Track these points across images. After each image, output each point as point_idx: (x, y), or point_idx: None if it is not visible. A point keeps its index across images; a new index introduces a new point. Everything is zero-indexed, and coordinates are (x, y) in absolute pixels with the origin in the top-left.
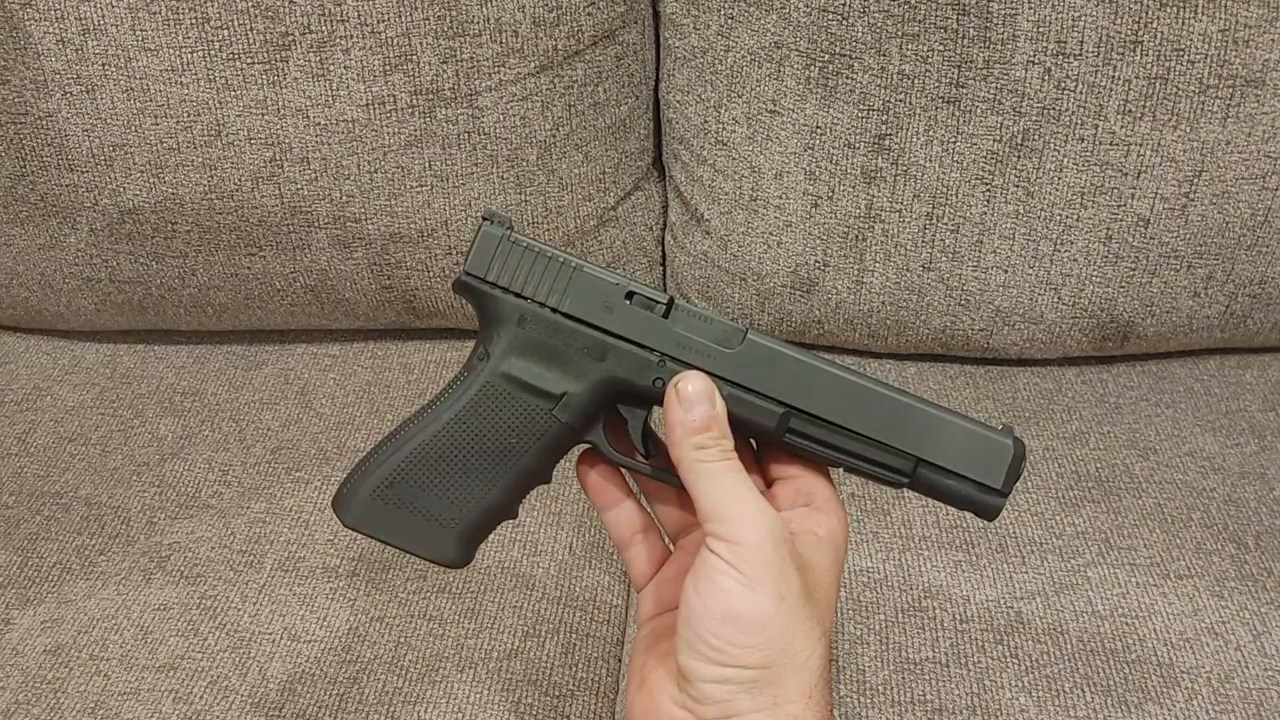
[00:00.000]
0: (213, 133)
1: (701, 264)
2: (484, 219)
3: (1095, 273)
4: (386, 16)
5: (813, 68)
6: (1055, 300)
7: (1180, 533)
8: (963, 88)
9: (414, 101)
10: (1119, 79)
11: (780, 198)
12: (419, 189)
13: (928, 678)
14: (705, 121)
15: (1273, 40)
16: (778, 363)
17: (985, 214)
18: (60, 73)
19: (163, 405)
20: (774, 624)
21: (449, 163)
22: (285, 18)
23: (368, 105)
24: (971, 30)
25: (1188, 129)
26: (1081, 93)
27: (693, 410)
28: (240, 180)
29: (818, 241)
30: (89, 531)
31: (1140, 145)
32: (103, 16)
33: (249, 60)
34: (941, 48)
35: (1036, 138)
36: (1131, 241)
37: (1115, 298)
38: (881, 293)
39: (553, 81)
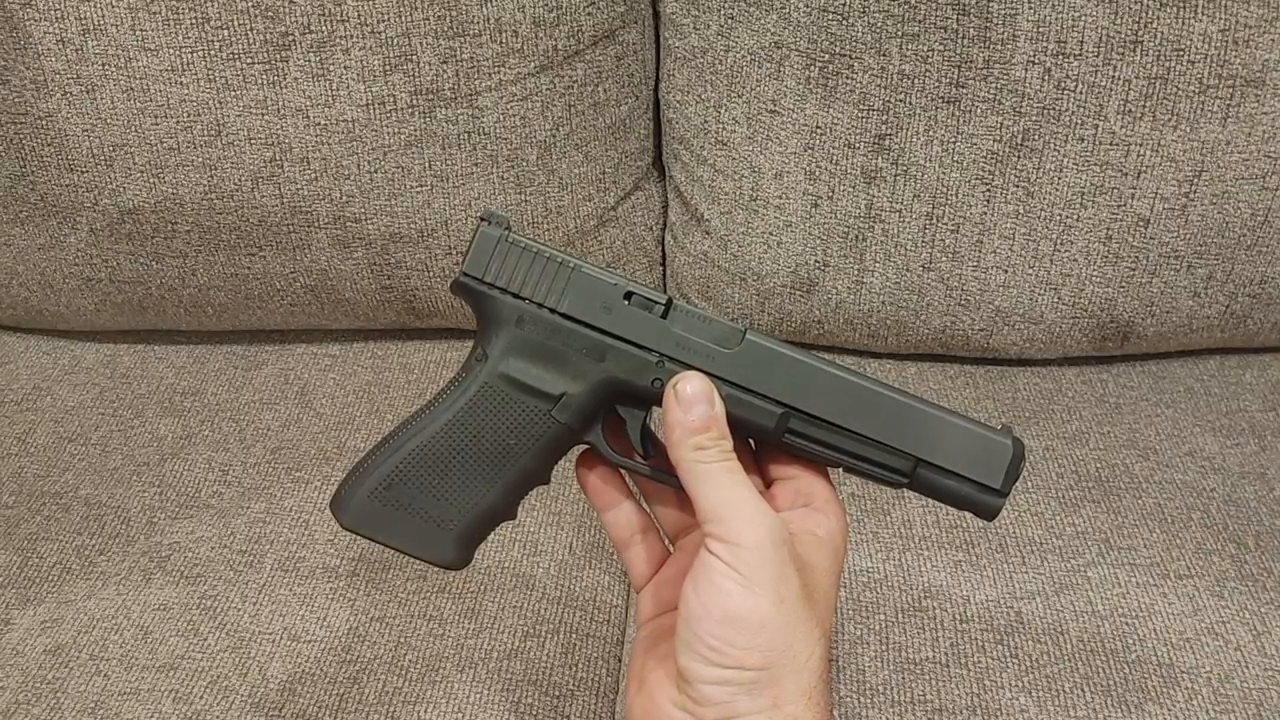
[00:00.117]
0: (213, 133)
1: (701, 264)
2: (481, 219)
3: (1095, 273)
4: (386, 16)
5: (813, 68)
6: (1055, 300)
7: (1180, 533)
8: (963, 88)
9: (414, 101)
10: (1119, 79)
11: (780, 198)
12: (419, 189)
13: (928, 678)
14: (705, 121)
15: (1273, 40)
16: (777, 363)
17: (985, 214)
18: (60, 73)
19: (163, 405)
20: (773, 625)
21: (449, 163)
22: (285, 18)
23: (368, 105)
24: (971, 30)
25: (1188, 129)
26: (1081, 93)
27: (691, 411)
28: (240, 180)
29: (818, 241)
30: (89, 531)
31: (1140, 145)
32: (103, 16)
33: (249, 60)
34: (941, 48)
35: (1036, 138)
36: (1131, 241)
37: (1115, 298)
38: (881, 293)
39: (553, 81)
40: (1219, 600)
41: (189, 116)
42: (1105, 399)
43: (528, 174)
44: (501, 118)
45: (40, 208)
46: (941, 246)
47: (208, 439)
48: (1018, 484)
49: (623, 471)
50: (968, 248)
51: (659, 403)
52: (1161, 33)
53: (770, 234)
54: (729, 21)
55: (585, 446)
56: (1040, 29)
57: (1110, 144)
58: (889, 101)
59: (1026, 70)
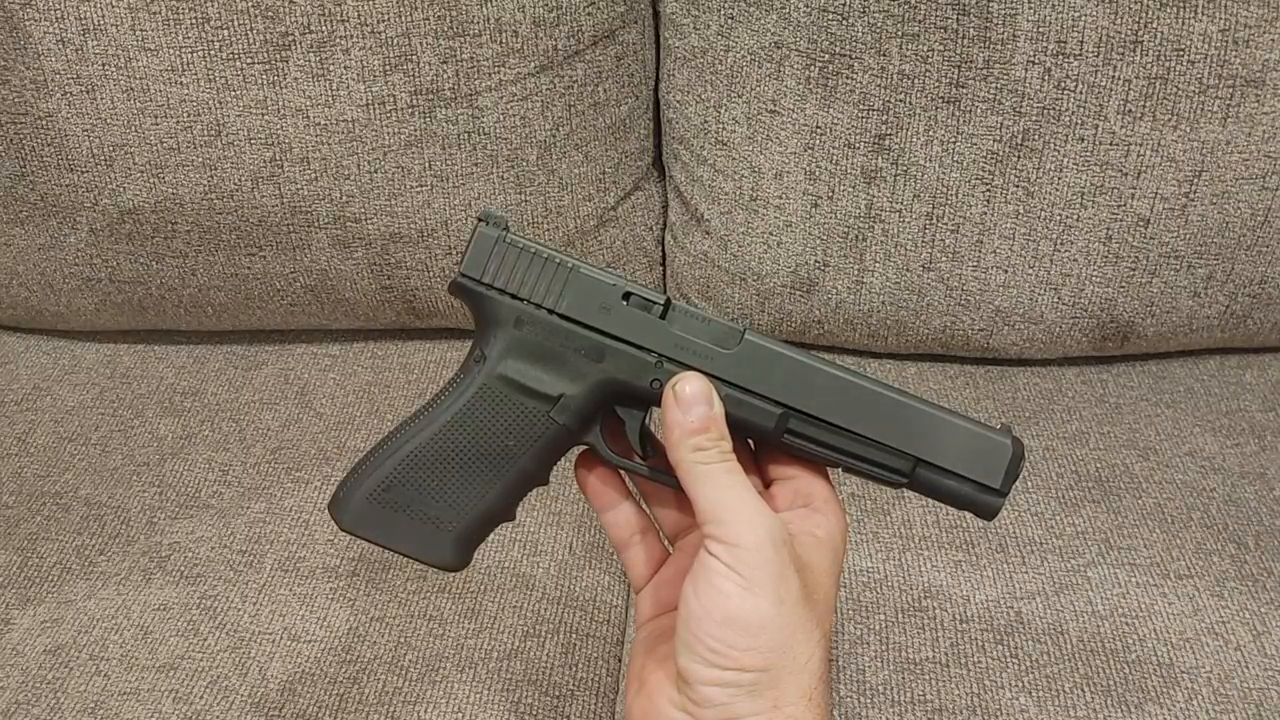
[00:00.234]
0: (213, 133)
1: (701, 264)
2: (479, 220)
3: (1095, 273)
4: (386, 16)
5: (813, 68)
6: (1055, 300)
7: (1180, 533)
8: (963, 88)
9: (414, 101)
10: (1119, 79)
11: (780, 198)
12: (419, 189)
13: (928, 678)
14: (705, 121)
15: (1273, 40)
16: (776, 363)
17: (985, 214)
18: (60, 73)
19: (163, 405)
20: (773, 626)
21: (449, 163)
22: (285, 18)
23: (368, 105)
24: (971, 30)
25: (1188, 129)
26: (1081, 93)
27: (691, 411)
28: (240, 180)
29: (818, 241)
30: (89, 531)
31: (1140, 145)
32: (103, 16)
33: (249, 60)
34: (941, 48)
35: (1036, 138)
36: (1131, 241)
37: (1115, 298)
38: (881, 293)
39: (553, 81)
40: (1219, 600)
41: (189, 116)
42: (1105, 399)
43: (528, 174)
44: (501, 118)
45: (40, 208)
46: (941, 246)
47: (208, 439)
48: (1017, 484)
49: (622, 472)
50: (968, 248)
51: (658, 403)
52: (1161, 33)
53: (770, 234)
54: (729, 21)
55: (584, 447)
56: (1040, 29)
57: (1110, 144)
58: (889, 101)
59: (1026, 70)
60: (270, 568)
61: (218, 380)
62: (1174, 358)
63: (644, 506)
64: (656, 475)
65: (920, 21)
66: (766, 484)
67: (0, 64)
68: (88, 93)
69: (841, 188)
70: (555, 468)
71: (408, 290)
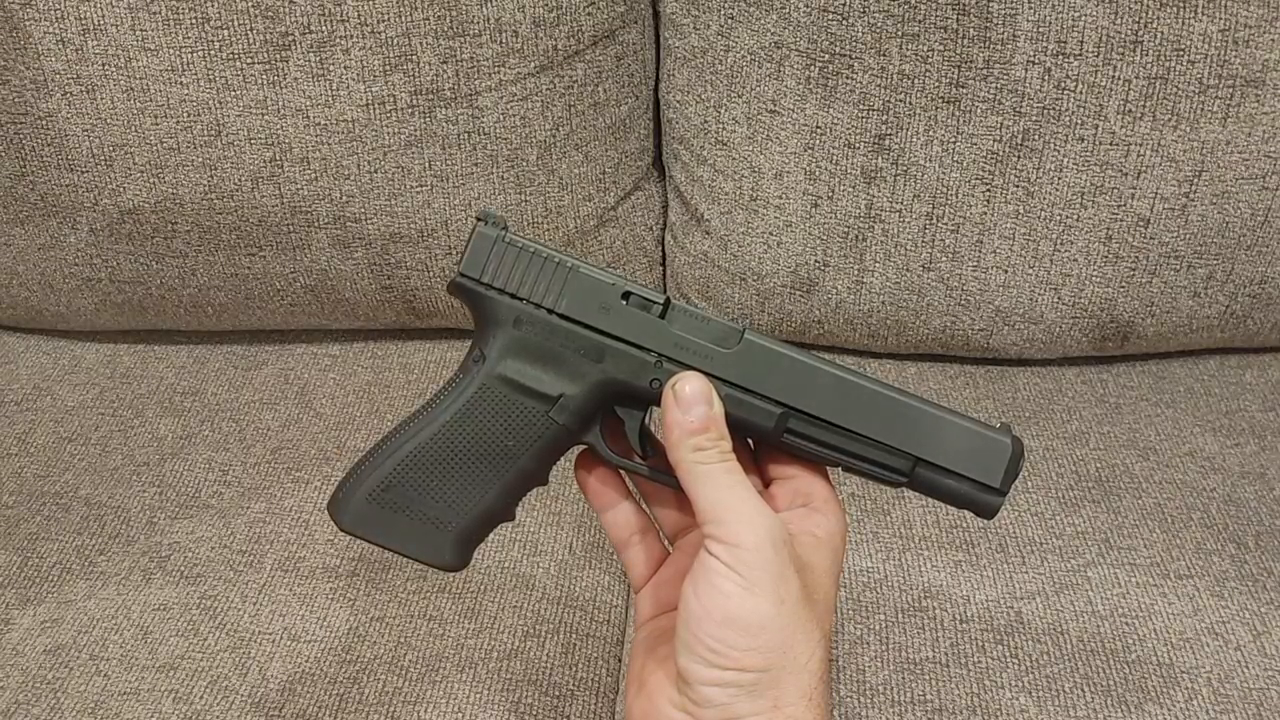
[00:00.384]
0: (213, 133)
1: (701, 264)
2: (478, 219)
3: (1095, 273)
4: (386, 16)
5: (813, 68)
6: (1055, 300)
7: (1180, 533)
8: (963, 88)
9: (414, 101)
10: (1119, 79)
11: (780, 198)
12: (419, 189)
13: (928, 678)
14: (705, 121)
15: (1273, 40)
16: (775, 363)
17: (985, 214)
18: (60, 73)
19: (163, 405)
20: (774, 626)
21: (449, 163)
22: (285, 18)
23: (368, 105)
24: (971, 30)
25: (1188, 129)
26: (1081, 93)
27: (690, 411)
28: (240, 180)
29: (818, 241)
30: (89, 531)
31: (1140, 145)
32: (103, 16)
33: (249, 60)
34: (941, 48)
35: (1036, 138)
36: (1131, 241)
37: (1115, 298)
38: (881, 293)
39: (553, 81)
40: (1219, 600)
41: (189, 116)
42: (1105, 399)
43: (528, 174)
44: (501, 118)
45: (40, 208)
46: (941, 246)
47: (208, 439)
48: (1017, 484)
49: (621, 472)
50: (968, 248)
51: (658, 403)
52: (1161, 33)
53: (770, 234)
54: (729, 21)
55: (584, 447)
56: (1040, 29)
57: (1110, 144)
58: (889, 101)
59: (1026, 70)
60: (270, 568)
61: (218, 380)
62: (1174, 358)
63: (644, 506)
64: (656, 475)
65: (920, 21)
66: (766, 483)
67: (0, 64)
68: (88, 93)
69: (841, 188)
70: (555, 468)
71: (408, 290)
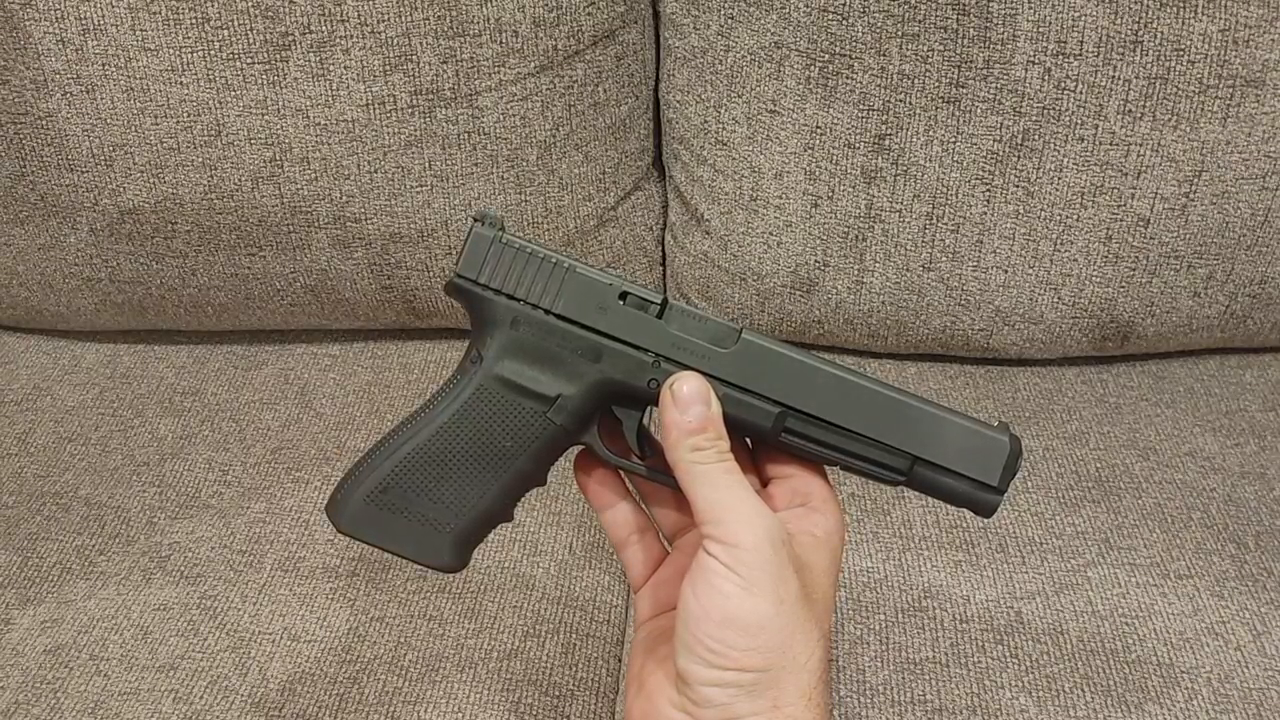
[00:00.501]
0: (213, 133)
1: (701, 264)
2: (475, 220)
3: (1095, 273)
4: (386, 16)
5: (813, 68)
6: (1055, 300)
7: (1180, 533)
8: (963, 88)
9: (414, 101)
10: (1119, 79)
11: (780, 198)
12: (419, 189)
13: (928, 678)
14: (705, 121)
15: (1273, 40)
16: (773, 362)
17: (985, 214)
18: (60, 73)
19: (163, 405)
20: (773, 626)
21: (449, 163)
22: (285, 18)
23: (368, 105)
24: (971, 30)
25: (1188, 129)
26: (1081, 93)
27: (688, 411)
28: (240, 180)
29: (818, 241)
30: (89, 531)
31: (1140, 145)
32: (103, 16)
33: (249, 60)
34: (941, 48)
35: (1036, 138)
36: (1131, 241)
37: (1115, 298)
38: (881, 293)
39: (553, 81)
40: (1219, 600)
41: (189, 116)
42: (1105, 399)
43: (528, 174)
44: (501, 118)
45: (40, 208)
46: (941, 246)
47: (208, 439)
48: (1018, 484)
49: (620, 472)
50: (968, 248)
51: (655, 403)
52: (1161, 33)
53: (770, 234)
54: (729, 21)
55: (582, 447)
56: (1040, 29)
57: (1110, 144)
58: (889, 101)
59: (1026, 70)
60: (270, 568)
61: (218, 380)
62: (1174, 358)
63: (642, 506)
64: (654, 475)
65: (920, 21)
66: (764, 483)
67: (0, 64)
68: (88, 93)
69: (841, 188)
70: (555, 468)
71: (408, 290)
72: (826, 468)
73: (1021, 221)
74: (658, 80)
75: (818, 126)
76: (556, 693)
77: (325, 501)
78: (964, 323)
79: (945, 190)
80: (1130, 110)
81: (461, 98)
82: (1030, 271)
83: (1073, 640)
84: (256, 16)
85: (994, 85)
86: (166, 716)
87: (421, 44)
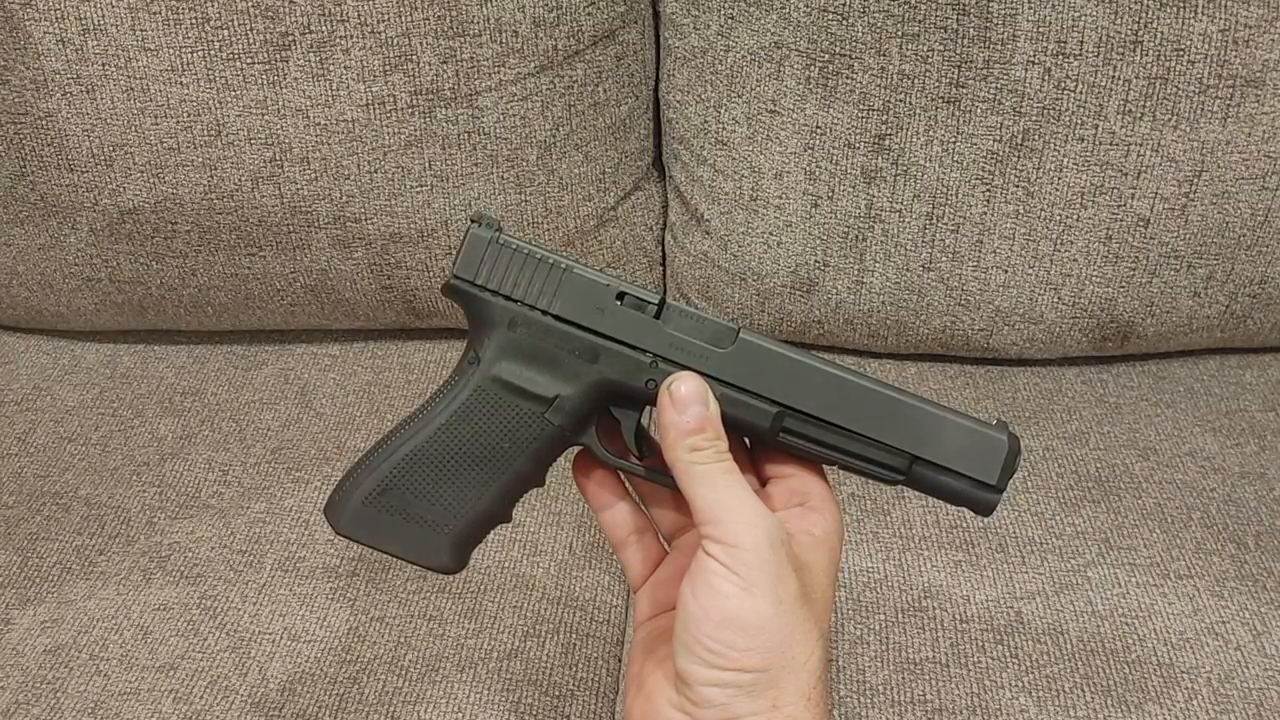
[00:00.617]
0: (213, 133)
1: (701, 264)
2: (472, 221)
3: (1095, 273)
4: (386, 16)
5: (813, 68)
6: (1055, 300)
7: (1180, 533)
8: (963, 88)
9: (414, 101)
10: (1119, 79)
11: (780, 198)
12: (419, 189)
13: (928, 678)
14: (705, 121)
15: (1273, 40)
16: (771, 362)
17: (985, 214)
18: (60, 73)
19: (163, 405)
20: (772, 626)
21: (449, 163)
22: (285, 18)
23: (368, 105)
24: (971, 30)
25: (1188, 129)
26: (1081, 93)
27: (686, 412)
28: (240, 180)
29: (818, 241)
30: (89, 531)
31: (1140, 145)
32: (103, 16)
33: (249, 60)
34: (941, 48)
35: (1036, 138)
36: (1131, 241)
37: (1115, 298)
38: (881, 293)
39: (553, 81)
40: (1219, 600)
41: (189, 116)
42: (1105, 399)
43: (528, 174)
44: (501, 118)
45: (40, 208)
46: (941, 246)
47: (208, 439)
48: (1018, 484)
49: (619, 472)
50: (968, 248)
51: (653, 403)
52: (1161, 33)
53: (770, 234)
54: (729, 21)
55: (581, 447)
56: (1040, 29)
57: (1110, 144)
58: (889, 101)
59: (1026, 70)
60: (270, 568)
61: (218, 380)
62: (1174, 358)
63: (641, 506)
64: (653, 476)
65: (920, 21)
66: (763, 482)
67: (0, 64)
68: (88, 93)
69: (841, 188)
70: (554, 468)
71: (408, 290)
72: (825, 467)
73: (1021, 221)
74: (658, 80)
75: (818, 126)
76: (556, 693)
77: (324, 502)
78: (964, 323)
79: (945, 190)
80: (1130, 110)
81: (461, 98)
82: (1030, 271)
83: (1073, 640)
84: (256, 16)
85: (994, 85)
86: (166, 716)
87: (421, 44)
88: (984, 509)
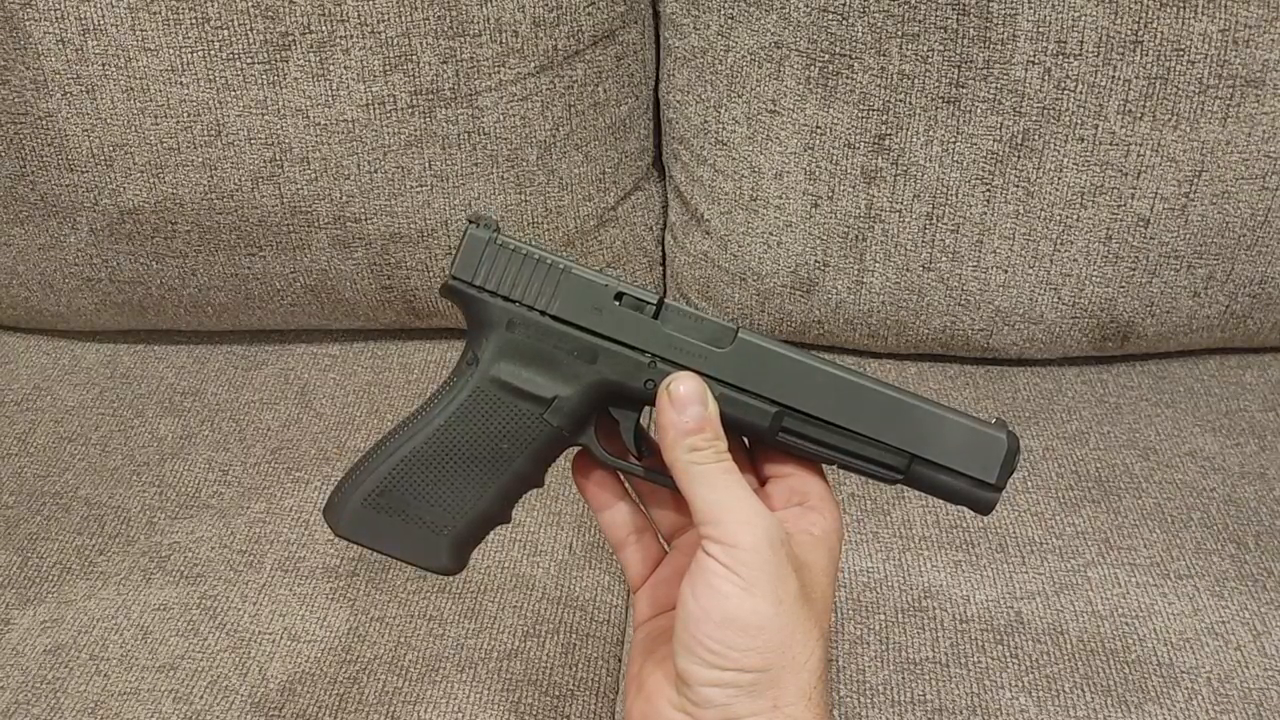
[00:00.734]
0: (213, 133)
1: (701, 264)
2: (470, 222)
3: (1095, 273)
4: (386, 16)
5: (813, 68)
6: (1055, 300)
7: (1180, 533)
8: (963, 88)
9: (414, 101)
10: (1119, 79)
11: (780, 198)
12: (419, 189)
13: (928, 678)
14: (705, 121)
15: (1273, 40)
16: (769, 361)
17: (985, 214)
18: (60, 73)
19: (163, 405)
20: (772, 626)
21: (449, 163)
22: (285, 18)
23: (368, 105)
24: (971, 30)
25: (1188, 129)
26: (1081, 93)
27: (685, 412)
28: (240, 180)
29: (818, 241)
30: (89, 531)
31: (1140, 145)
32: (103, 16)
33: (249, 60)
34: (941, 48)
35: (1036, 138)
36: (1131, 241)
37: (1115, 298)
38: (881, 293)
39: (553, 81)
40: (1219, 600)
41: (189, 116)
42: (1105, 399)
43: (528, 174)
44: (501, 118)
45: (40, 208)
46: (941, 246)
47: (208, 439)
48: (1018, 484)
49: (618, 473)
50: (968, 248)
51: (652, 403)
52: (1161, 33)
53: (770, 234)
54: (729, 21)
55: (580, 448)
56: (1040, 29)
57: (1110, 144)
58: (889, 101)
59: (1026, 70)
60: (270, 568)
61: (218, 380)
62: (1174, 358)
63: (641, 506)
64: (652, 476)
65: (920, 21)
66: (762, 482)
67: (0, 64)
68: (88, 93)
69: (841, 188)
70: (554, 468)
71: (408, 290)
72: (824, 466)
73: (1021, 221)
74: (658, 80)
75: (818, 126)
76: (556, 693)
77: (324, 503)
78: (964, 323)
79: (945, 190)
80: (1130, 110)
81: (461, 98)
82: (1030, 271)
83: (1073, 640)
84: (256, 16)
85: (994, 85)
86: (166, 716)
87: (421, 44)
88: (983, 507)
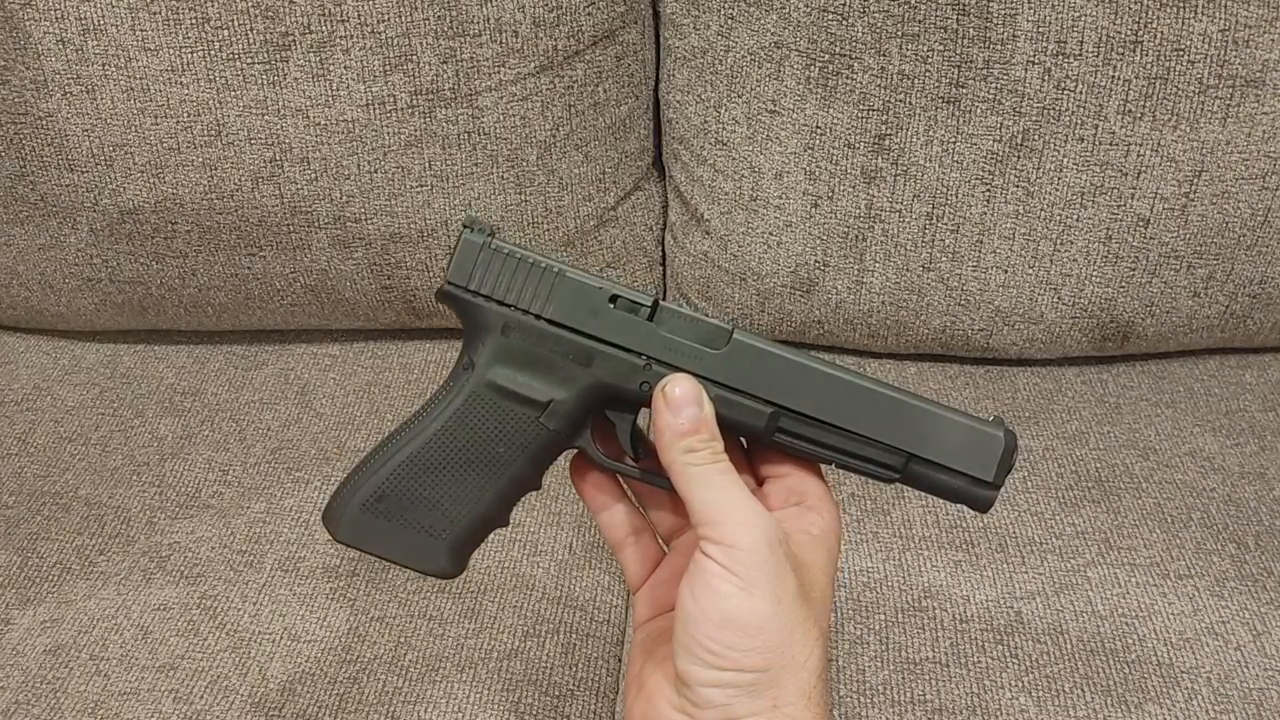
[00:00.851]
0: (213, 133)
1: (701, 264)
2: (464, 226)
3: (1095, 273)
4: (386, 16)
5: (813, 68)
6: (1055, 300)
7: (1180, 533)
8: (963, 88)
9: (414, 101)
10: (1119, 79)
11: (780, 198)
12: (419, 189)
13: (928, 678)
14: (705, 121)
15: (1273, 40)
16: (765, 362)
17: (985, 214)
18: (60, 73)
19: (163, 405)
20: (772, 626)
21: (449, 163)
22: (285, 18)
23: (368, 105)
24: (971, 30)
25: (1188, 129)
26: (1081, 93)
27: (681, 413)
28: (240, 180)
29: (818, 241)
30: (89, 531)
31: (1140, 145)
32: (103, 16)
33: (249, 60)
34: (941, 48)
35: (1036, 138)
36: (1131, 241)
37: (1115, 298)
38: (881, 293)
39: (553, 81)
40: (1219, 600)
41: (189, 116)
42: (1105, 399)
43: (528, 174)
44: (501, 118)
45: (40, 208)
46: (941, 246)
47: (208, 439)
48: (1017, 484)
49: (615, 474)
50: (968, 248)
51: (648, 405)
52: (1161, 33)
53: (770, 234)
54: (729, 21)
55: (577, 450)
56: (1040, 29)
57: (1110, 144)
58: (889, 101)
59: (1026, 70)
60: (270, 568)
61: (218, 380)
62: (1174, 358)
63: (639, 508)
64: (649, 477)
65: (920, 21)
66: (759, 482)
67: (0, 64)
68: (88, 93)
69: (841, 188)
70: (553, 468)
71: (408, 290)
72: (822, 466)
73: (1021, 221)
74: (658, 80)
75: (818, 126)
76: (556, 693)
77: (325, 502)
78: (964, 323)
79: (945, 190)
80: (1130, 110)
81: (461, 98)
82: (1030, 271)
83: (1073, 640)
84: (256, 16)
85: (994, 85)
86: (166, 716)
87: (421, 44)
88: (982, 506)
